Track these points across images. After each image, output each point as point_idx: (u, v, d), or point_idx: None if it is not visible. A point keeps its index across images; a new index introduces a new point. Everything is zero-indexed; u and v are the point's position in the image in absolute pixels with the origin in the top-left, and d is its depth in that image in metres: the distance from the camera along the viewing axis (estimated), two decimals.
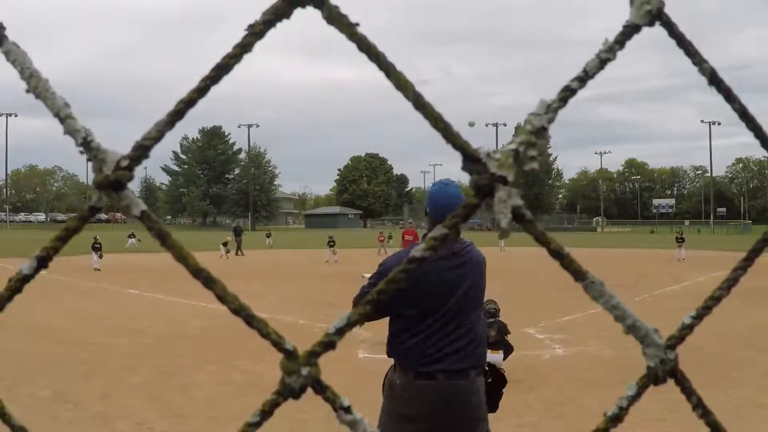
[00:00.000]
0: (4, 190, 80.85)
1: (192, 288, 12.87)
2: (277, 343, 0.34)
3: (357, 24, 0.33)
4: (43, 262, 0.37)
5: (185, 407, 5.74)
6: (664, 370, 0.36)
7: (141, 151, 0.34)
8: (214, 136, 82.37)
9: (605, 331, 9.68)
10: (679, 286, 15.86)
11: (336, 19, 0.33)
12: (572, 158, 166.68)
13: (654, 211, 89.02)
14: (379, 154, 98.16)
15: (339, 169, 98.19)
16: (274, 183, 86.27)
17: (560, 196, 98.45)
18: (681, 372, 0.36)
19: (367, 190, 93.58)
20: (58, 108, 0.35)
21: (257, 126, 79.84)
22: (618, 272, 17.05)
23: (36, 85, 0.35)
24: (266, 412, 0.34)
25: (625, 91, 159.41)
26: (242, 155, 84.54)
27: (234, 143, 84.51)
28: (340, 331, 0.34)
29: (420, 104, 0.34)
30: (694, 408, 0.38)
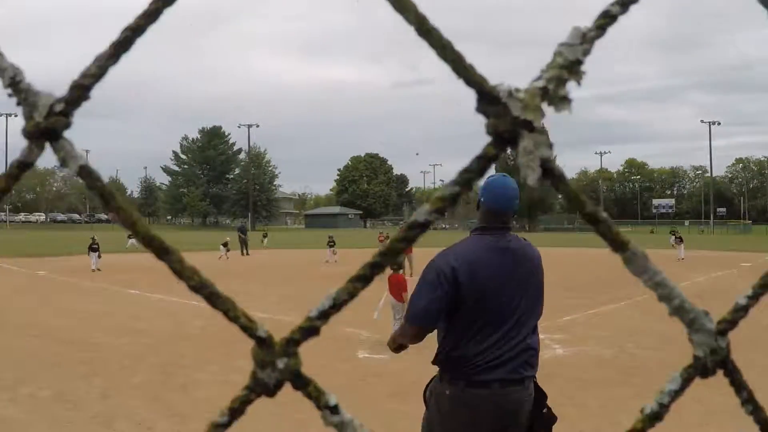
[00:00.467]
0: None
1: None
2: (247, 329, 0.28)
3: None
4: None
5: (185, 407, 5.74)
6: (714, 361, 0.30)
7: (79, 91, 0.29)
8: (214, 136, 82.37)
9: (605, 331, 9.68)
10: (680, 286, 15.82)
11: None
12: (572, 158, 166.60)
13: (654, 211, 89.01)
14: (379, 154, 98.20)
15: (339, 169, 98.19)
16: (274, 183, 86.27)
17: (560, 196, 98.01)
18: (732, 362, 0.32)
19: (367, 190, 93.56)
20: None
21: (257, 126, 79.90)
22: (618, 272, 17.02)
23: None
24: (235, 410, 0.28)
25: (625, 91, 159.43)
26: (242, 155, 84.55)
27: (234, 143, 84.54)
28: (324, 315, 0.28)
29: (424, 29, 0.28)
30: (743, 403, 0.34)
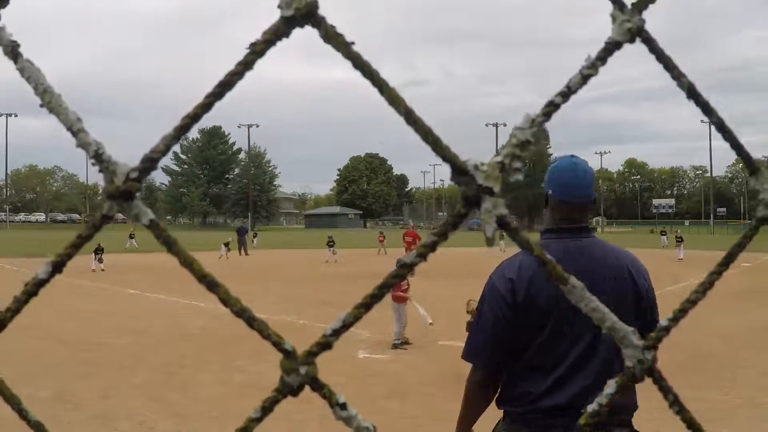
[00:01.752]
0: (4, 190, 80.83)
1: (192, 288, 12.90)
2: (277, 344, 0.35)
3: (353, 42, 0.35)
4: (57, 268, 0.38)
5: (186, 407, 5.74)
6: (641, 369, 0.38)
7: (149, 164, 0.36)
8: (214, 136, 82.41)
9: None
10: (679, 286, 15.85)
11: (332, 38, 0.35)
12: None
13: (654, 211, 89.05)
14: (379, 154, 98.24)
15: (339, 169, 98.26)
16: (274, 183, 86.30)
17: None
18: (658, 371, 0.38)
19: (367, 190, 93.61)
20: (71, 122, 0.36)
21: (257, 126, 79.82)
22: None
23: (49, 100, 0.37)
24: (267, 408, 0.36)
25: (625, 91, 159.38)
26: (242, 155, 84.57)
27: (234, 143, 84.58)
28: (336, 333, 0.36)
29: (411, 119, 0.36)
30: (671, 405, 0.40)
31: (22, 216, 79.60)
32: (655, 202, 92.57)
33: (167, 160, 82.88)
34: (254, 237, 37.10)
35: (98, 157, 0.35)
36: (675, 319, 0.41)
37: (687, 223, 76.50)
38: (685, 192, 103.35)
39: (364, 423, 0.36)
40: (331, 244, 25.61)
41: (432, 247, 0.35)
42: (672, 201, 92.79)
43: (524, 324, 1.88)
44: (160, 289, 14.70)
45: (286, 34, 0.35)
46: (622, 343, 0.38)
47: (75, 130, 0.36)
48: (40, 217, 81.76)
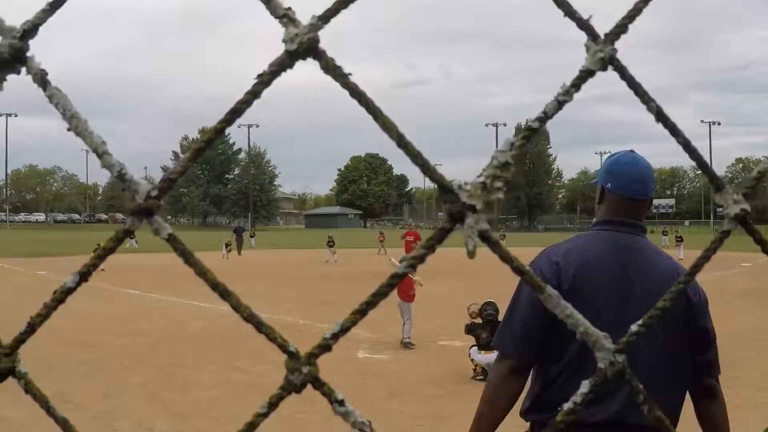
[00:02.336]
0: (4, 190, 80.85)
1: (192, 288, 12.91)
2: (283, 347, 0.39)
3: (350, 74, 0.39)
4: (84, 277, 0.41)
5: (185, 407, 5.74)
6: (612, 371, 0.41)
7: (168, 183, 0.39)
8: None
9: None
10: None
11: (331, 69, 0.38)
12: (572, 158, 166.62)
13: (654, 211, 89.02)
14: (379, 154, 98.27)
15: (339, 169, 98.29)
16: (274, 183, 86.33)
17: (560, 196, 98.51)
18: (629, 372, 0.42)
19: (367, 190, 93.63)
20: (96, 145, 0.40)
21: (257, 126, 79.88)
22: None
23: (76, 125, 0.40)
24: (273, 404, 0.39)
25: (625, 91, 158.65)
26: (242, 155, 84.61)
27: (234, 143, 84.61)
28: (335, 336, 0.39)
29: (402, 143, 0.39)
30: (641, 404, 0.43)
31: (22, 216, 79.62)
32: (655, 202, 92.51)
33: (167, 160, 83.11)
34: (251, 237, 37.20)
35: (121, 177, 0.39)
36: (644, 325, 0.43)
37: (687, 223, 76.53)
38: (685, 192, 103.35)
39: (360, 418, 0.39)
40: (330, 244, 25.63)
41: (421, 258, 0.38)
42: (672, 201, 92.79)
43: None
44: (160, 289, 14.70)
45: (290, 66, 0.39)
46: (594, 346, 0.41)
47: (100, 152, 0.40)
48: (40, 217, 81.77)
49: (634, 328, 0.43)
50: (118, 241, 0.40)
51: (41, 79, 0.39)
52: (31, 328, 0.41)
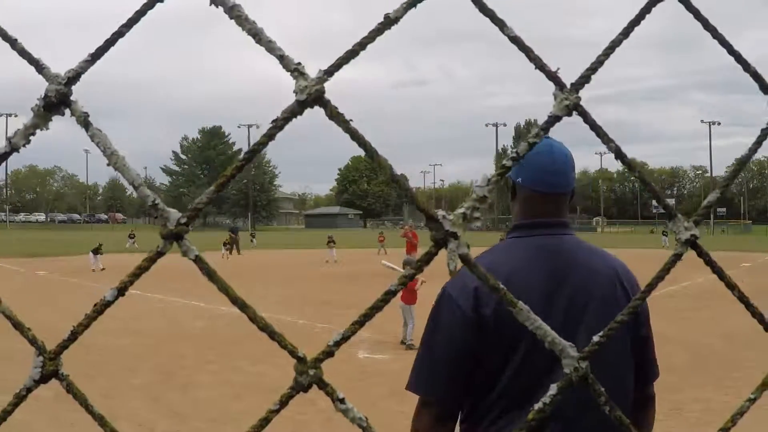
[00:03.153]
0: (4, 190, 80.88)
1: (192, 289, 12.92)
2: (293, 352, 0.44)
3: (351, 120, 0.45)
4: (121, 292, 0.47)
5: (186, 408, 5.74)
6: (577, 376, 0.45)
7: (194, 212, 0.44)
8: (214, 136, 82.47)
9: None
10: (679, 287, 15.86)
11: (335, 116, 0.44)
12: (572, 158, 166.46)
13: (654, 211, 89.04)
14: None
15: (339, 169, 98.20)
16: (274, 183, 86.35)
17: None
18: (591, 377, 0.46)
19: (367, 190, 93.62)
20: (133, 179, 0.45)
21: (257, 126, 79.91)
22: None
23: (116, 161, 0.45)
24: (283, 402, 0.44)
25: (625, 91, 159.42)
26: (242, 155, 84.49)
27: (234, 143, 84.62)
28: (337, 344, 0.44)
29: (395, 180, 0.45)
30: (602, 405, 0.47)
31: (22, 216, 79.61)
32: (655, 202, 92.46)
33: (167, 160, 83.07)
34: (252, 237, 37.35)
35: (155, 207, 0.44)
36: (606, 336, 0.48)
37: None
38: (685, 192, 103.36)
39: (358, 414, 0.44)
40: (331, 244, 25.68)
41: (411, 278, 0.44)
42: (672, 201, 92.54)
43: (493, 343, 1.49)
44: (161, 289, 14.70)
45: (300, 113, 0.45)
46: (561, 354, 0.45)
47: (136, 185, 0.45)
48: (40, 217, 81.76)
49: (595, 338, 0.48)
50: (151, 260, 0.46)
51: (84, 121, 0.44)
52: (74, 336, 0.49)
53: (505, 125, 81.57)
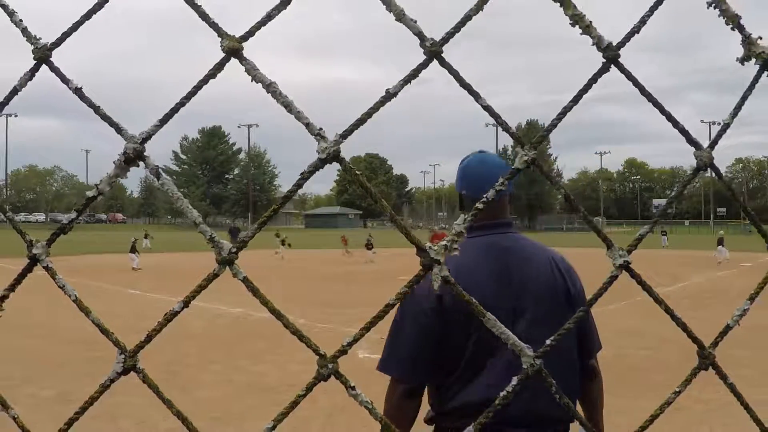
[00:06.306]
0: (4, 190, 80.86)
1: (191, 288, 12.86)
2: (316, 351, 0.54)
3: (361, 173, 0.56)
4: (187, 304, 0.57)
5: (188, 407, 5.72)
6: (532, 371, 0.54)
7: (242, 244, 0.54)
8: (214, 136, 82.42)
9: (604, 331, 9.66)
10: (678, 287, 15.86)
11: (348, 171, 0.54)
12: (572, 158, 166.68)
13: (654, 211, 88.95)
14: (379, 154, 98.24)
15: (339, 169, 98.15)
16: (274, 183, 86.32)
17: (560, 196, 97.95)
18: (545, 372, 0.55)
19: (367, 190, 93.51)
20: (195, 217, 0.55)
21: (257, 126, 79.89)
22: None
23: (181, 204, 0.55)
24: (309, 389, 0.55)
25: (625, 91, 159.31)
26: (242, 155, 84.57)
27: (234, 143, 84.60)
28: (350, 344, 0.54)
29: (393, 219, 0.57)
30: (553, 394, 0.57)
31: (22, 216, 79.58)
32: (655, 202, 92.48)
33: (167, 160, 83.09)
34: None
35: (212, 239, 0.54)
36: (555, 340, 0.58)
37: (687, 223, 76.48)
38: (685, 192, 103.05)
39: (365, 399, 0.55)
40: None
41: (404, 295, 0.54)
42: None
43: (454, 327, 1.74)
44: (160, 289, 14.71)
45: (321, 168, 0.53)
46: (520, 354, 0.55)
47: (197, 222, 0.55)
48: (40, 217, 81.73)
49: (548, 341, 0.58)
50: (209, 280, 0.55)
51: (156, 172, 0.54)
52: (149, 338, 0.62)
53: None
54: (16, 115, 70.29)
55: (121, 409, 5.55)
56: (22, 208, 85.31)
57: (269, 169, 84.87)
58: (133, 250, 20.89)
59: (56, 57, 0.56)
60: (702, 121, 75.41)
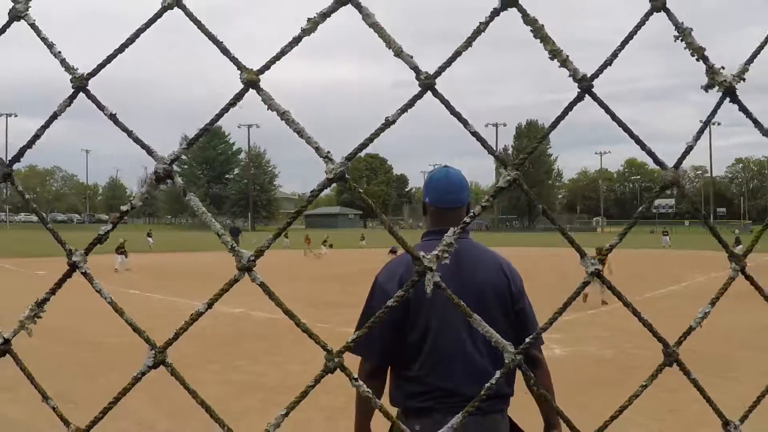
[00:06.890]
0: (4, 190, 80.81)
1: (191, 288, 12.90)
2: (324, 347, 0.59)
3: (361, 191, 0.62)
4: (210, 305, 0.63)
5: (186, 407, 5.74)
6: (514, 364, 0.60)
7: (259, 253, 0.60)
8: (214, 136, 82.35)
9: (605, 331, 9.68)
10: (679, 286, 15.87)
11: (352, 189, 0.60)
12: (572, 158, 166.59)
13: (654, 211, 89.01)
14: (379, 154, 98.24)
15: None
16: (274, 183, 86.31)
17: (560, 196, 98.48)
18: (525, 366, 0.62)
19: (367, 190, 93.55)
20: (217, 230, 0.60)
21: (257, 126, 79.88)
22: (617, 272, 17.10)
23: (206, 218, 0.61)
24: (317, 380, 0.59)
25: (625, 91, 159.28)
26: (242, 155, 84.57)
27: (234, 143, 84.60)
28: (354, 341, 0.61)
29: (391, 231, 0.62)
30: (531, 386, 0.65)
31: (22, 216, 79.57)
32: (656, 202, 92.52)
33: None
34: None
35: (233, 249, 0.59)
36: (533, 340, 0.66)
37: (687, 223, 76.50)
38: (686, 192, 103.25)
39: (366, 389, 0.61)
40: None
41: (402, 297, 0.61)
42: (672, 201, 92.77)
43: (416, 318, 2.04)
44: (160, 289, 14.71)
45: (329, 186, 0.58)
46: (503, 350, 0.61)
47: (220, 234, 0.60)
48: None
49: (528, 339, 0.64)
50: (230, 285, 0.60)
51: (183, 191, 0.59)
52: (176, 336, 0.67)
53: (505, 125, 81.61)
54: (16, 115, 70.33)
55: (121, 409, 5.54)
56: (22, 208, 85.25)
57: (269, 169, 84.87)
58: (120, 250, 20.23)
59: (68, 54, 0.59)
60: (701, 121, 75.17)
